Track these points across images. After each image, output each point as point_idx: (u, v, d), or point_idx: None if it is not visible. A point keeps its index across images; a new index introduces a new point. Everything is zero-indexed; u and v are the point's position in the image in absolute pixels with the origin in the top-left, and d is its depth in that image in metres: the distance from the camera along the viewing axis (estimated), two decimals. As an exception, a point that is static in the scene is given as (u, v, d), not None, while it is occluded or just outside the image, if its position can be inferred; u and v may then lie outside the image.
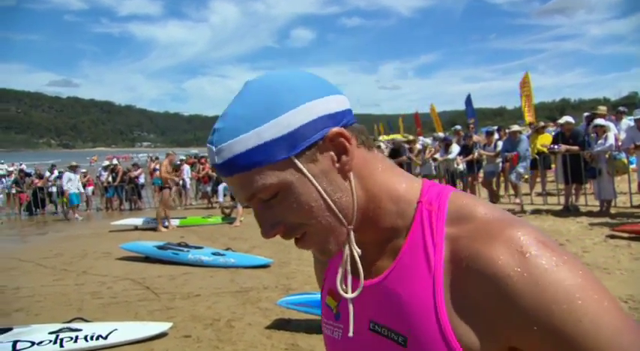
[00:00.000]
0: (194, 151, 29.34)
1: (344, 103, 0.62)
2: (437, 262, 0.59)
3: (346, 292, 0.64)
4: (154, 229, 9.15)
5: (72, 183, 12.48)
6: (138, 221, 9.73)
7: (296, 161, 0.58)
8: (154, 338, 3.72)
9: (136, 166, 14.62)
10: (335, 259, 0.74)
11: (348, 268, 0.65)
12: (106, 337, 3.65)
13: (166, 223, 9.29)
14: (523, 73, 14.59)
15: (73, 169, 12.98)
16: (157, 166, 11.34)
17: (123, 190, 13.67)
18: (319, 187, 0.59)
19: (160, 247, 6.39)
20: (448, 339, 0.56)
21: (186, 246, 6.43)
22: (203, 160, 13.58)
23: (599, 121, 7.65)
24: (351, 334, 0.64)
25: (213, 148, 0.59)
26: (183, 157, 14.76)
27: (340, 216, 0.61)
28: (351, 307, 0.65)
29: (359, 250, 0.64)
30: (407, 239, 0.63)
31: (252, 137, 0.56)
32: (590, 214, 7.26)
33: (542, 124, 10.09)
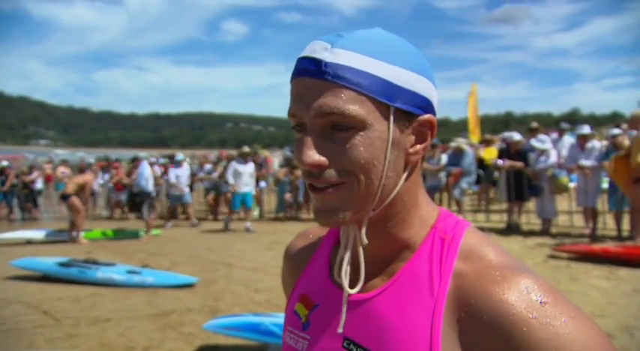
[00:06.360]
0: (113, 154, 27.18)
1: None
2: (440, 294, 0.61)
3: (350, 287, 0.66)
4: (67, 242, 8.77)
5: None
6: (33, 234, 9.15)
7: (391, 114, 0.61)
8: (55, 370, 3.54)
9: (32, 168, 13.78)
10: (312, 263, 0.78)
11: (347, 257, 0.67)
12: (-7, 371, 3.41)
13: (74, 235, 8.89)
14: (468, 83, 15.57)
15: None
16: (64, 170, 10.78)
17: (13, 197, 12.81)
18: (388, 153, 0.61)
19: (62, 264, 6.06)
20: None
21: (95, 263, 6.14)
22: (116, 165, 13.04)
23: (536, 141, 8.07)
24: (340, 330, 0.66)
25: (329, 46, 0.60)
26: (92, 161, 14.12)
27: (378, 194, 0.62)
28: (345, 301, 0.67)
29: (366, 241, 0.65)
30: (409, 261, 0.66)
31: (375, 65, 0.59)
32: (531, 232, 7.87)
33: (487, 136, 10.77)
